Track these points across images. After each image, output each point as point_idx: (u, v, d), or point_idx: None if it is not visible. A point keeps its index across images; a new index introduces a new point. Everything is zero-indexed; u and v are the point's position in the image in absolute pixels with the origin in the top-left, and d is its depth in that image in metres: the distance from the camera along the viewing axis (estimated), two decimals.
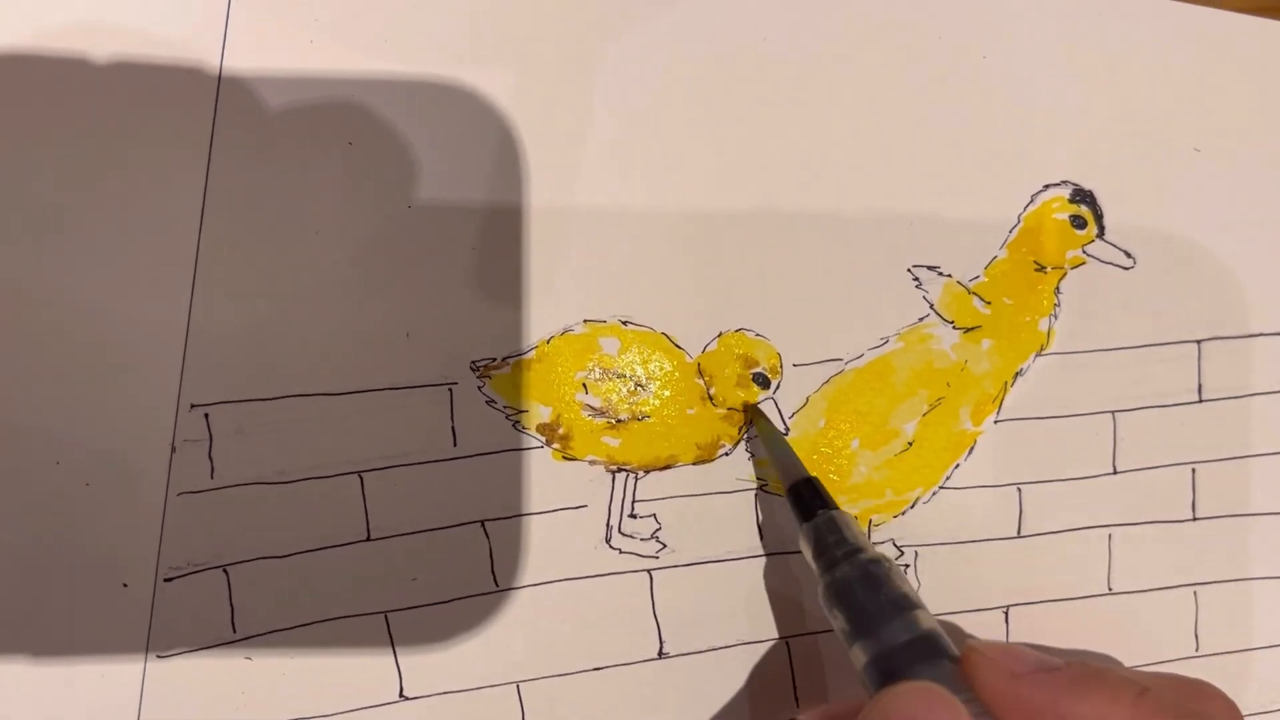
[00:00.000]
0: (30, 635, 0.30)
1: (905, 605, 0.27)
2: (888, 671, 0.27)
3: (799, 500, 0.31)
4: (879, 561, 0.28)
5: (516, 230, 0.32)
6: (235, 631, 0.31)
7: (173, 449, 0.31)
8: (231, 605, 0.31)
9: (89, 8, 0.30)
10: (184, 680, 0.31)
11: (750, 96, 0.33)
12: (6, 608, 0.30)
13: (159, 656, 0.31)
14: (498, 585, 0.32)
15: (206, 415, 0.31)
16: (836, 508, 0.30)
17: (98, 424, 0.31)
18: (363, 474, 0.32)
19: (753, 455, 0.33)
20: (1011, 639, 0.34)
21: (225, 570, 0.31)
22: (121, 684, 0.31)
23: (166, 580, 0.31)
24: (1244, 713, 0.34)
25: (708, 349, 0.33)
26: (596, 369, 0.32)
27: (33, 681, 0.30)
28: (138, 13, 0.31)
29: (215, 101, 0.31)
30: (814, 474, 0.32)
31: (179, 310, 0.31)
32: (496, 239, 0.32)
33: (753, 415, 0.33)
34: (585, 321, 0.32)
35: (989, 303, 0.33)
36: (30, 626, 0.30)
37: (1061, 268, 0.34)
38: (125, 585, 0.31)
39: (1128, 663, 0.34)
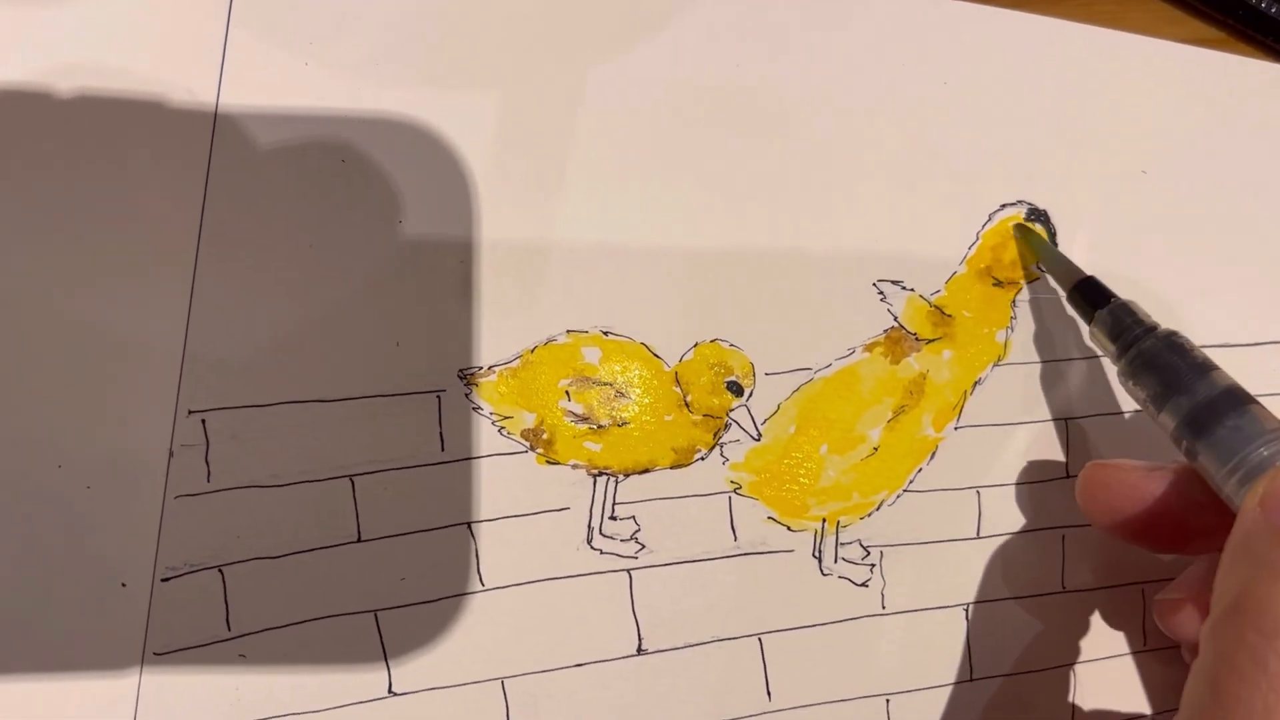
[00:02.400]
0: (30, 633, 0.31)
1: (1207, 367, 0.30)
2: (1200, 425, 0.29)
3: (1084, 296, 0.33)
4: (1178, 334, 0.31)
5: (502, 244, 0.33)
6: (230, 630, 0.32)
7: (170, 453, 0.32)
8: (227, 604, 0.32)
9: (90, 25, 0.32)
10: (180, 677, 0.32)
11: (727, 122, 0.34)
12: (6, 606, 0.31)
13: (156, 654, 0.32)
14: (483, 584, 0.33)
15: (203, 421, 0.32)
16: (1118, 296, 0.33)
17: (99, 429, 0.32)
18: (354, 477, 0.33)
19: (726, 460, 0.34)
20: (971, 635, 0.36)
21: (221, 570, 0.32)
22: (119, 681, 0.32)
23: (164, 580, 0.32)
24: None
25: (684, 358, 0.34)
26: (579, 377, 0.34)
27: (31, 678, 0.31)
28: (139, 32, 0.32)
29: (214, 119, 0.32)
30: (785, 477, 0.34)
31: (177, 321, 0.32)
32: (483, 252, 0.33)
33: (1019, 230, 0.35)
34: (568, 332, 0.34)
35: (949, 316, 0.35)
36: (30, 624, 0.31)
37: (1017, 283, 0.36)
38: (124, 585, 0.32)
39: (1081, 656, 0.36)
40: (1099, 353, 0.36)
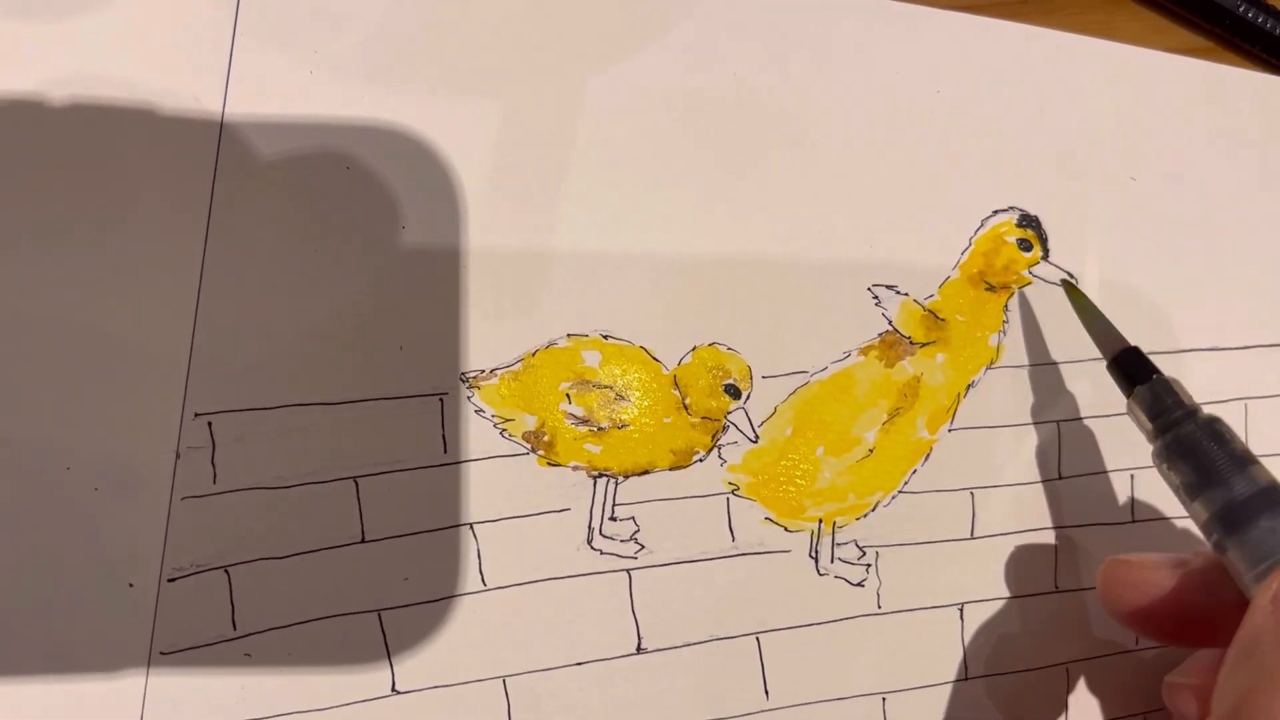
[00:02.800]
0: (38, 632, 0.32)
1: (1248, 460, 0.29)
2: (1232, 522, 0.28)
3: (1124, 368, 0.32)
4: (1219, 420, 0.30)
5: (504, 250, 0.34)
6: (235, 629, 0.33)
7: (177, 455, 0.33)
8: (232, 604, 0.33)
9: (98, 36, 0.32)
10: (186, 676, 0.32)
11: (725, 130, 0.35)
12: (16, 605, 0.32)
13: (162, 653, 0.32)
14: (485, 584, 0.34)
15: (210, 423, 0.33)
16: (1160, 372, 0.32)
17: (106, 431, 0.32)
18: (358, 479, 0.33)
19: (724, 461, 0.35)
20: (965, 635, 0.36)
21: (226, 571, 0.33)
22: (126, 680, 0.32)
23: (170, 580, 0.32)
24: None
25: (683, 361, 0.35)
26: (579, 380, 0.34)
27: (39, 678, 0.32)
28: (146, 42, 0.32)
29: (220, 127, 0.33)
30: (782, 478, 0.34)
31: (184, 324, 0.32)
32: (485, 258, 0.34)
33: (1068, 290, 0.35)
34: (569, 335, 0.34)
35: (943, 320, 0.36)
36: (38, 624, 0.32)
37: (1009, 287, 0.36)
38: (131, 585, 0.32)
39: (1071, 656, 0.37)
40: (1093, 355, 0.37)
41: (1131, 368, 0.32)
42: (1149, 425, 0.31)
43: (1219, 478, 0.29)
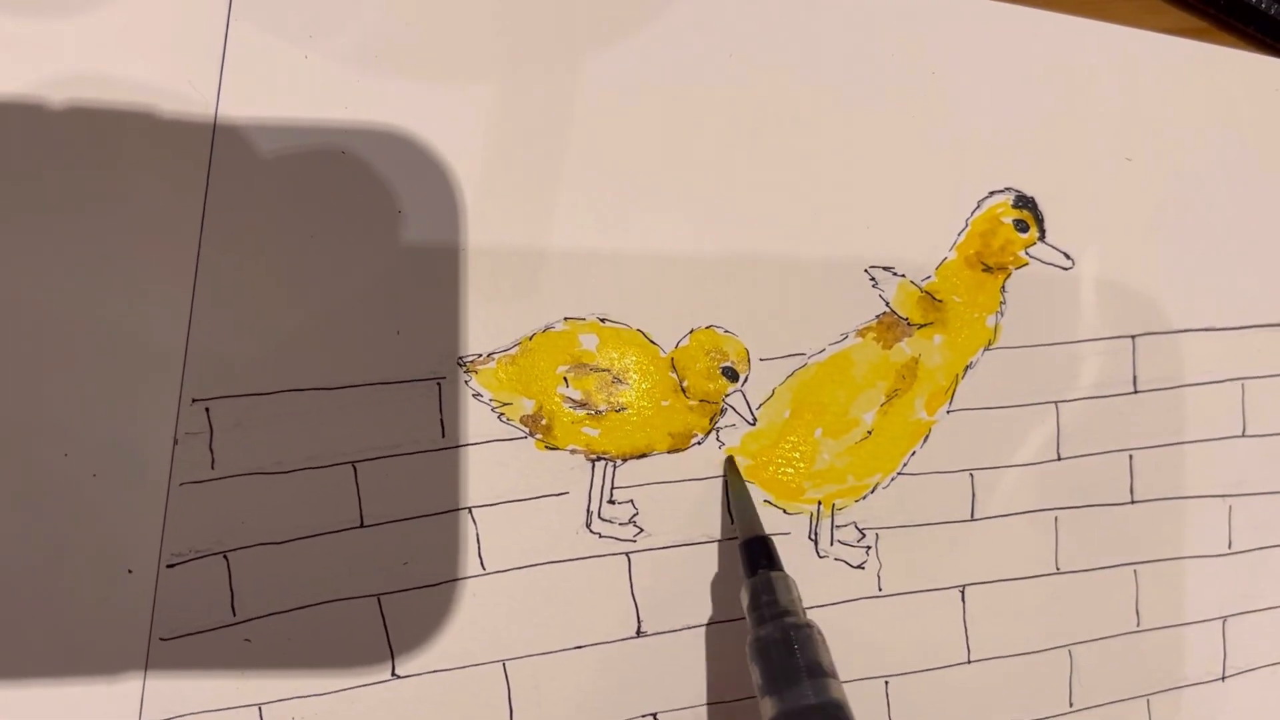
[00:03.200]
0: (37, 619, 0.32)
1: (818, 672, 0.29)
2: None
3: (749, 555, 0.32)
4: (802, 627, 0.30)
5: (501, 233, 0.34)
6: (235, 615, 0.33)
7: (175, 441, 0.33)
8: (231, 590, 0.33)
9: (93, 23, 0.32)
10: (186, 662, 0.32)
11: (721, 113, 0.35)
12: (16, 592, 0.32)
13: (162, 639, 0.32)
14: (484, 568, 0.34)
15: (207, 409, 0.33)
16: (781, 569, 0.32)
17: (105, 418, 0.32)
18: (356, 464, 0.33)
19: (722, 444, 0.35)
20: (968, 617, 0.36)
21: (225, 556, 0.33)
22: (126, 666, 0.32)
23: (169, 566, 0.32)
24: (1181, 683, 0.37)
25: (680, 344, 0.35)
26: (577, 364, 0.34)
27: (40, 663, 0.32)
28: (141, 29, 0.32)
29: (215, 113, 0.33)
30: (781, 461, 0.34)
31: (180, 311, 0.32)
32: (482, 241, 0.34)
33: (726, 468, 0.35)
34: (566, 319, 0.34)
35: (940, 301, 0.36)
36: (38, 610, 0.32)
37: (1006, 268, 0.36)
38: (130, 571, 0.32)
39: (1075, 638, 0.37)
40: (1090, 336, 0.37)
41: (754, 556, 0.32)
42: (748, 617, 0.31)
43: (780, 685, 0.29)
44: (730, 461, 0.35)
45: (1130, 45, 0.38)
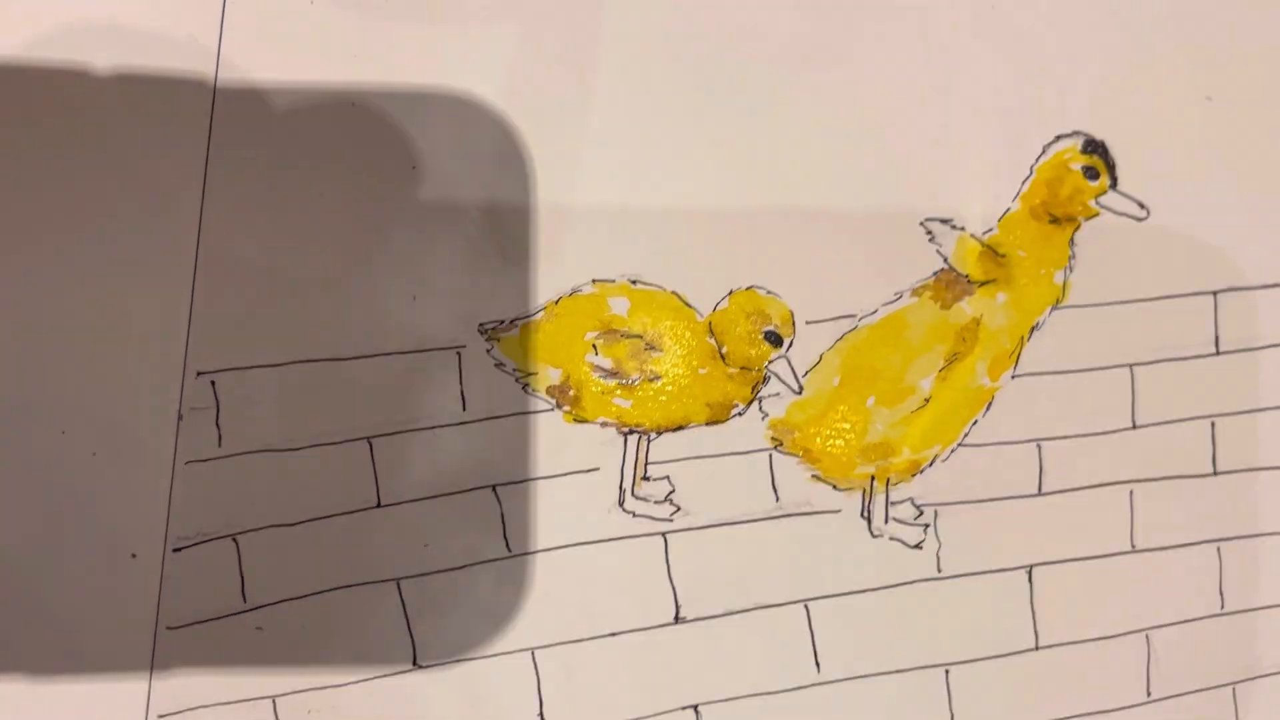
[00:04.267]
0: (38, 609, 0.30)
1: None
2: None
3: None
4: None
5: (523, 189, 0.32)
6: (245, 601, 0.31)
7: (179, 417, 0.31)
8: (241, 575, 0.31)
9: None
10: (195, 652, 0.31)
11: (761, 57, 0.33)
12: (13, 580, 0.30)
13: (169, 628, 0.31)
14: (510, 551, 0.32)
15: (213, 382, 0.31)
16: None
17: (103, 392, 0.30)
18: (371, 440, 0.31)
19: (765, 415, 0.33)
20: (1035, 600, 0.34)
21: (235, 539, 0.31)
22: (131, 658, 0.30)
23: (175, 550, 0.31)
24: (1271, 670, 0.34)
25: (719, 307, 0.32)
26: (606, 330, 0.32)
27: (40, 657, 0.30)
28: None
29: (216, 65, 0.31)
30: (830, 432, 0.32)
31: (184, 277, 0.31)
32: (502, 199, 0.32)
33: None
34: (594, 281, 0.32)
35: (1003, 256, 0.33)
36: (39, 599, 0.30)
37: (1075, 219, 0.34)
38: (134, 556, 0.31)
39: (1153, 622, 0.34)
40: (1167, 293, 0.34)
41: None
42: None
43: None
44: None
45: None
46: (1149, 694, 0.34)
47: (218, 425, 0.31)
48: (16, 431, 0.30)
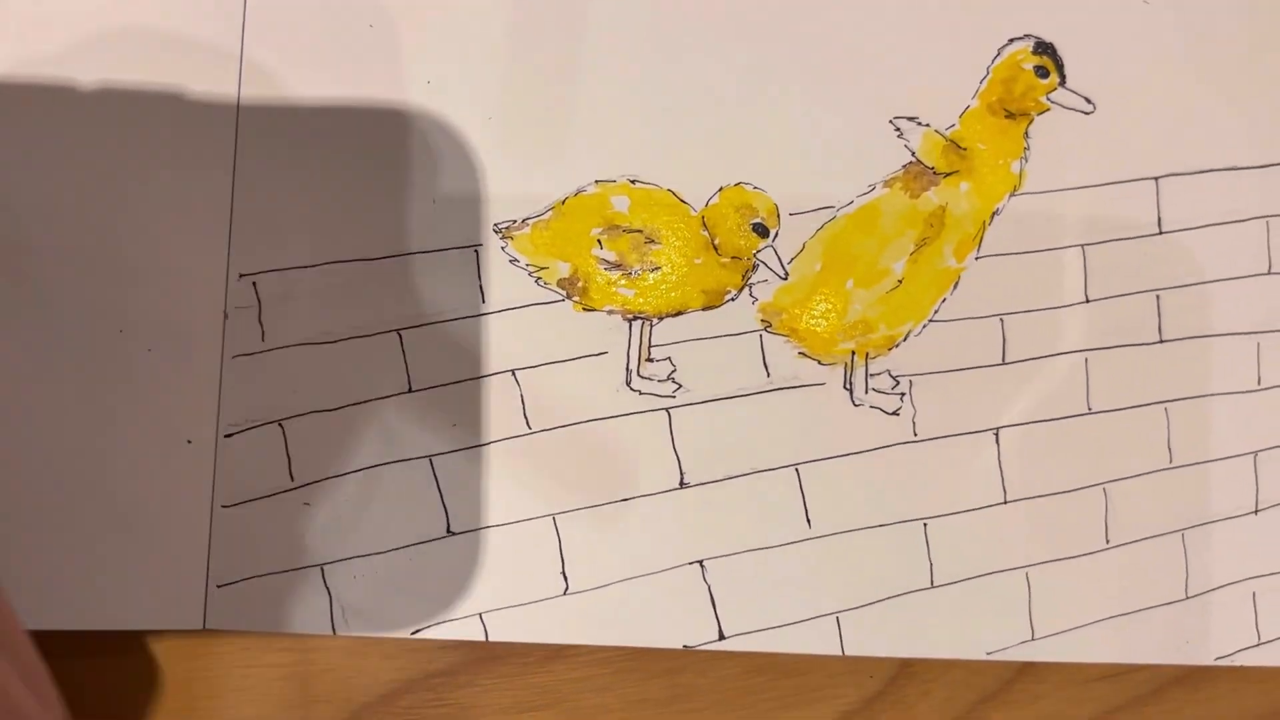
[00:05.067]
0: (102, 494, 0.33)
1: None
2: None
3: None
4: None
5: (529, 100, 0.35)
6: (293, 480, 0.34)
7: (225, 315, 0.34)
8: (289, 455, 0.34)
9: None
10: (248, 528, 0.34)
11: None
12: (79, 469, 0.33)
13: (224, 506, 0.34)
14: (530, 428, 0.35)
15: (254, 283, 0.34)
16: None
17: (155, 294, 0.33)
18: (401, 331, 0.34)
19: (755, 299, 0.36)
20: (1002, 458, 0.37)
21: (280, 425, 0.34)
22: (191, 533, 0.33)
23: (227, 436, 0.34)
24: (1214, 518, 0.38)
25: (710, 202, 0.35)
26: (610, 225, 0.35)
27: (105, 537, 0.33)
28: None
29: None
30: (814, 313, 0.35)
31: (223, 189, 0.33)
32: (510, 109, 0.35)
33: None
34: (597, 182, 0.35)
35: (964, 149, 0.36)
36: (104, 487, 0.33)
37: (1029, 114, 0.37)
38: (189, 442, 0.33)
39: (1108, 476, 0.37)
40: (1114, 179, 0.37)
41: None
42: None
43: None
44: None
45: None
46: (1107, 540, 0.38)
47: (260, 322, 0.34)
48: (79, 331, 0.33)
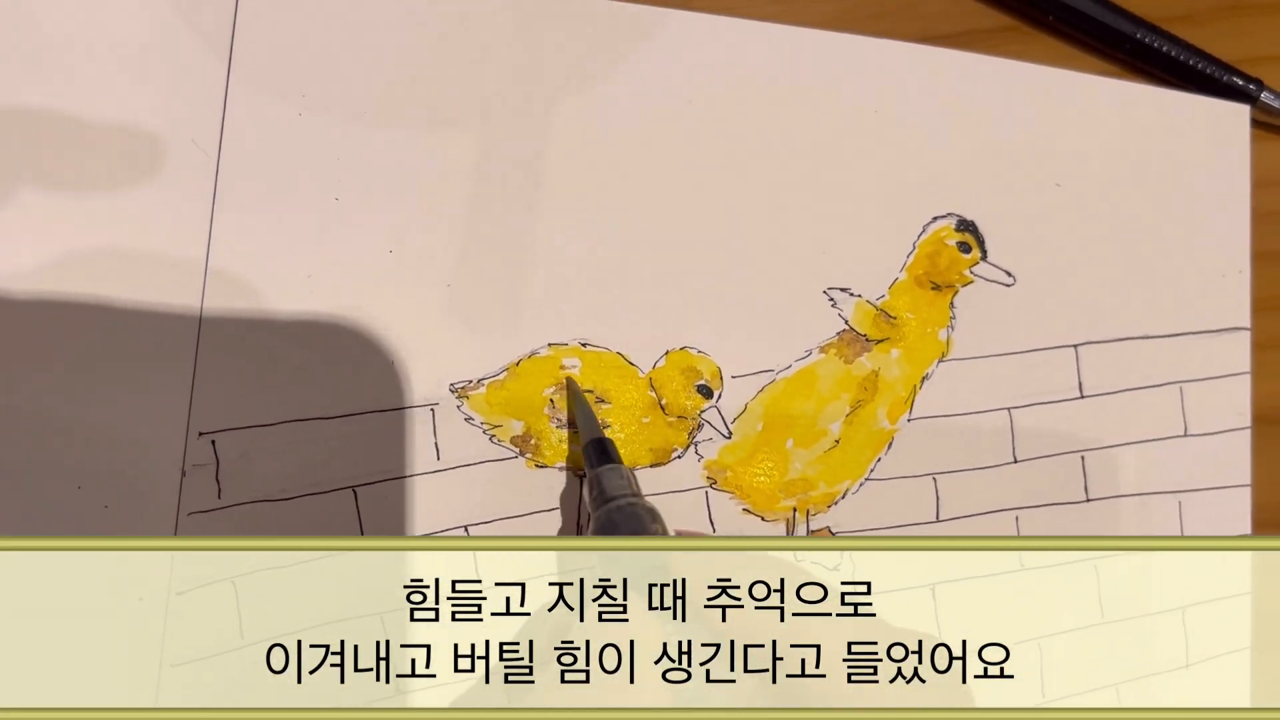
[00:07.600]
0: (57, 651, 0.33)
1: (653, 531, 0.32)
2: None
3: (592, 453, 0.34)
4: (651, 509, 0.33)
5: (486, 266, 0.37)
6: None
7: (183, 473, 0.34)
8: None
9: (95, 79, 0.35)
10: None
11: (685, 150, 0.38)
12: None
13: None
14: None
15: (213, 442, 0.35)
16: (620, 462, 0.34)
17: (115, 452, 0.34)
18: (356, 489, 0.35)
19: (701, 457, 0.37)
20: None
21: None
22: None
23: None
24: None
25: (657, 365, 0.37)
26: (561, 386, 0.37)
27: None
28: (143, 86, 0.35)
29: (217, 165, 0.35)
30: (757, 471, 0.37)
31: (187, 348, 0.35)
32: (469, 275, 0.36)
33: (567, 384, 0.36)
34: (549, 345, 0.37)
35: (894, 318, 0.39)
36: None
37: (954, 286, 0.39)
38: (140, 599, 0.34)
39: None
40: (1036, 346, 0.40)
41: (598, 453, 0.34)
42: (588, 499, 0.34)
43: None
44: (570, 380, 0.36)
45: (1053, 84, 0.41)
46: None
47: (217, 479, 0.35)
48: (37, 487, 0.33)
